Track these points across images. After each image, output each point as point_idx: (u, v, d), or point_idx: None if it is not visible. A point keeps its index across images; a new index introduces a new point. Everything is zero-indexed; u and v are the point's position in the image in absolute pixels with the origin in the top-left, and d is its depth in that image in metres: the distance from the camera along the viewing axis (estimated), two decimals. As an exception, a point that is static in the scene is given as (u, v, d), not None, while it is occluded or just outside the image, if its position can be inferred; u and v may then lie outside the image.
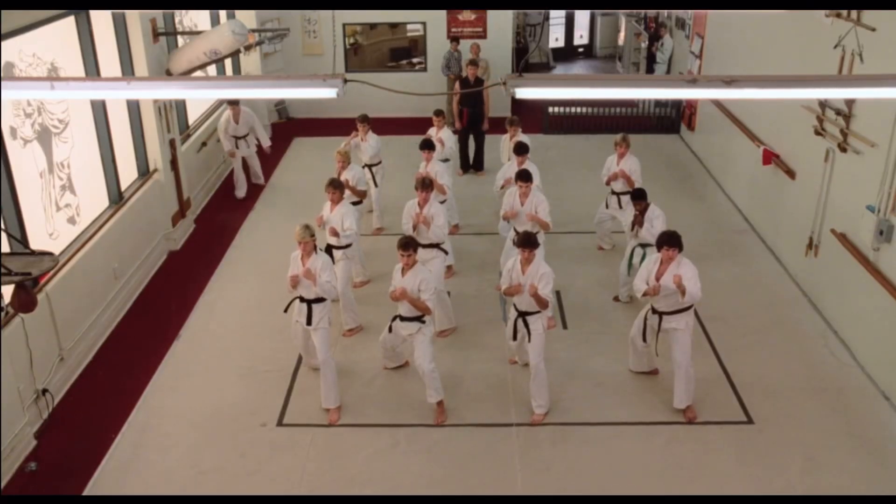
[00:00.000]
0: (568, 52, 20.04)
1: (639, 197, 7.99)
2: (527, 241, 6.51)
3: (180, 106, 10.78)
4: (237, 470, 6.29)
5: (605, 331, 8.06)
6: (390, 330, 6.80)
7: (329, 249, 7.83)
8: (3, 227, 6.40)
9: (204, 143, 11.46)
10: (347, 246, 7.97)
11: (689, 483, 6.14)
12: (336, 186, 7.86)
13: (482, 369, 7.48)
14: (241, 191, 11.47)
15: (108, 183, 8.69)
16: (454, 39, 14.05)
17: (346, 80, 4.26)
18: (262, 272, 9.16)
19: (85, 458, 6.39)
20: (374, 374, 7.43)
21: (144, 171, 9.57)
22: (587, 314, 8.41)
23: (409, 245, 6.47)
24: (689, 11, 13.46)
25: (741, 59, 10.81)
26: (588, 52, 20.46)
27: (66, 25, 7.85)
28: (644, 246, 7.92)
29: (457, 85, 12.03)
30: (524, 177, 8.00)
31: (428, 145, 9.31)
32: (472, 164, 12.28)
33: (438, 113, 10.23)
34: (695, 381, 6.74)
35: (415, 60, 14.98)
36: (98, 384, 7.38)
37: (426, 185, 7.85)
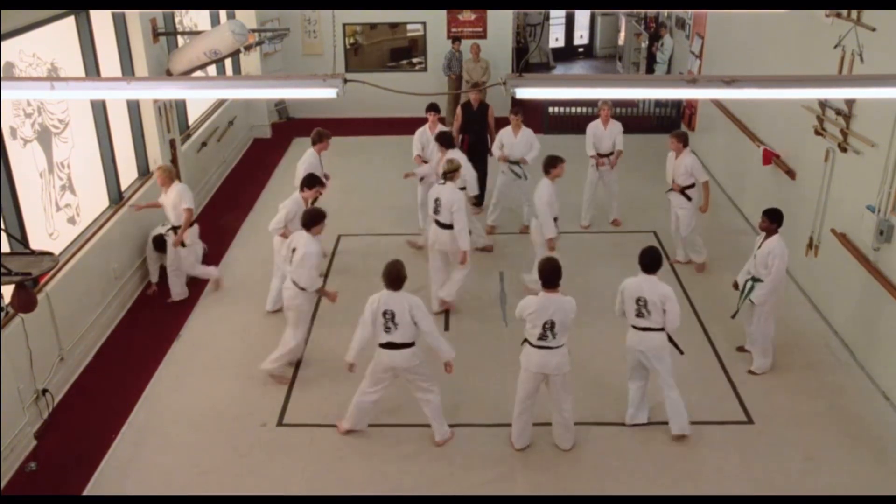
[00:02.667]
0: (568, 52, 20.04)
1: (774, 217, 7.13)
2: None
3: (180, 106, 10.78)
4: (237, 470, 6.30)
5: (606, 331, 8.05)
6: None
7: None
8: (3, 227, 6.41)
9: (204, 144, 11.46)
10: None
11: (689, 483, 6.14)
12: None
13: (482, 369, 7.49)
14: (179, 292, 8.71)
15: (108, 183, 8.69)
16: (455, 39, 14.05)
17: (346, 80, 4.27)
18: (262, 271, 9.14)
19: (85, 458, 6.40)
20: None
21: (144, 171, 9.58)
22: (587, 314, 8.37)
23: None
24: (689, 11, 13.46)
25: (741, 59, 10.81)
26: (588, 52, 20.46)
27: (66, 25, 7.85)
28: (755, 280, 7.16)
29: (458, 110, 10.70)
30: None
31: (433, 108, 9.69)
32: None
33: (433, 108, 9.77)
34: None
35: (415, 60, 14.98)
36: (98, 384, 7.38)
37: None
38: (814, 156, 8.36)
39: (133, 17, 8.93)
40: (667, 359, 6.43)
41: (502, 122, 10.13)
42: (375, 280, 8.81)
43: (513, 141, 9.78)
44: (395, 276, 6.20)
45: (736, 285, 7.50)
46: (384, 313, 6.18)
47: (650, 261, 6.36)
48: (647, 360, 6.46)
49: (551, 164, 8.37)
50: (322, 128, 9.21)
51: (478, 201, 10.49)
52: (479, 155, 10.37)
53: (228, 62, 12.40)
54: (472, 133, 10.54)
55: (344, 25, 14.55)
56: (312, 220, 7.11)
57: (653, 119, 14.36)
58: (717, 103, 11.60)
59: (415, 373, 6.36)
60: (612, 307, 8.34)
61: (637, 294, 6.31)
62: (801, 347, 7.79)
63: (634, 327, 6.43)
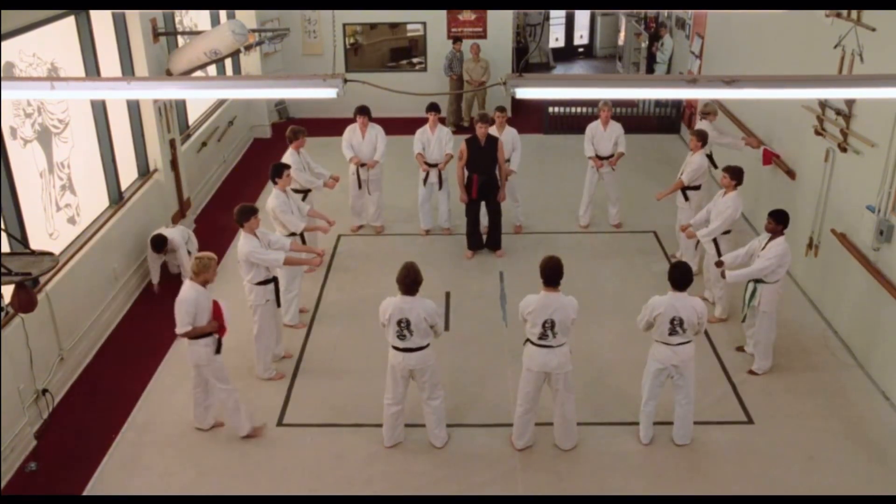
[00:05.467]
0: (568, 52, 20.05)
1: (780, 219, 7.05)
2: None
3: (180, 106, 10.78)
4: (237, 470, 6.30)
5: (606, 330, 8.06)
6: None
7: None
8: (3, 227, 6.40)
9: (204, 143, 11.46)
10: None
11: (689, 483, 6.14)
12: None
13: (482, 369, 7.49)
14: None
15: (108, 183, 8.69)
16: (455, 39, 14.05)
17: (346, 80, 4.27)
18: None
19: (85, 458, 6.40)
20: (374, 373, 7.42)
21: (144, 171, 9.58)
22: (586, 314, 8.36)
23: None
24: (689, 11, 13.46)
25: (741, 59, 10.81)
26: (588, 52, 20.47)
27: (66, 25, 7.85)
28: (758, 282, 7.13)
29: (463, 144, 9.25)
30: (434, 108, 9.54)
31: (434, 108, 9.62)
32: (485, 241, 9.67)
33: (433, 107, 9.72)
34: None
35: (415, 60, 14.98)
36: (98, 384, 7.38)
37: None
38: (814, 156, 8.36)
39: (133, 17, 8.93)
40: (694, 371, 6.35)
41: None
42: (375, 280, 8.90)
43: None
44: (411, 281, 6.01)
45: (719, 263, 7.50)
46: (399, 322, 6.03)
47: (681, 276, 6.12)
48: (680, 374, 6.27)
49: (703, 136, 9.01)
50: (296, 125, 9.27)
51: (495, 245, 9.58)
52: (490, 198, 9.34)
53: (228, 62, 12.39)
54: (481, 172, 9.15)
55: (344, 25, 14.55)
56: (243, 215, 6.88)
57: (653, 119, 14.36)
58: (718, 103, 11.59)
59: (429, 374, 6.29)
60: (612, 307, 8.41)
61: (672, 315, 6.08)
62: (801, 347, 7.78)
63: (667, 344, 6.20)
